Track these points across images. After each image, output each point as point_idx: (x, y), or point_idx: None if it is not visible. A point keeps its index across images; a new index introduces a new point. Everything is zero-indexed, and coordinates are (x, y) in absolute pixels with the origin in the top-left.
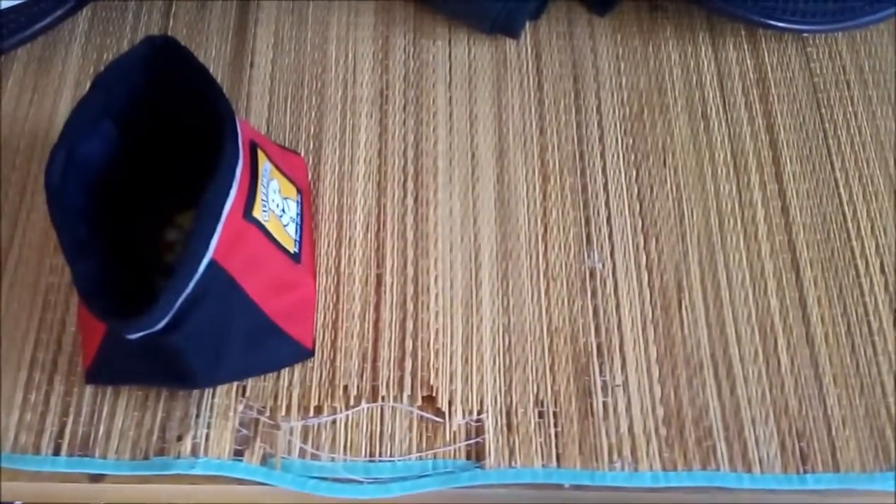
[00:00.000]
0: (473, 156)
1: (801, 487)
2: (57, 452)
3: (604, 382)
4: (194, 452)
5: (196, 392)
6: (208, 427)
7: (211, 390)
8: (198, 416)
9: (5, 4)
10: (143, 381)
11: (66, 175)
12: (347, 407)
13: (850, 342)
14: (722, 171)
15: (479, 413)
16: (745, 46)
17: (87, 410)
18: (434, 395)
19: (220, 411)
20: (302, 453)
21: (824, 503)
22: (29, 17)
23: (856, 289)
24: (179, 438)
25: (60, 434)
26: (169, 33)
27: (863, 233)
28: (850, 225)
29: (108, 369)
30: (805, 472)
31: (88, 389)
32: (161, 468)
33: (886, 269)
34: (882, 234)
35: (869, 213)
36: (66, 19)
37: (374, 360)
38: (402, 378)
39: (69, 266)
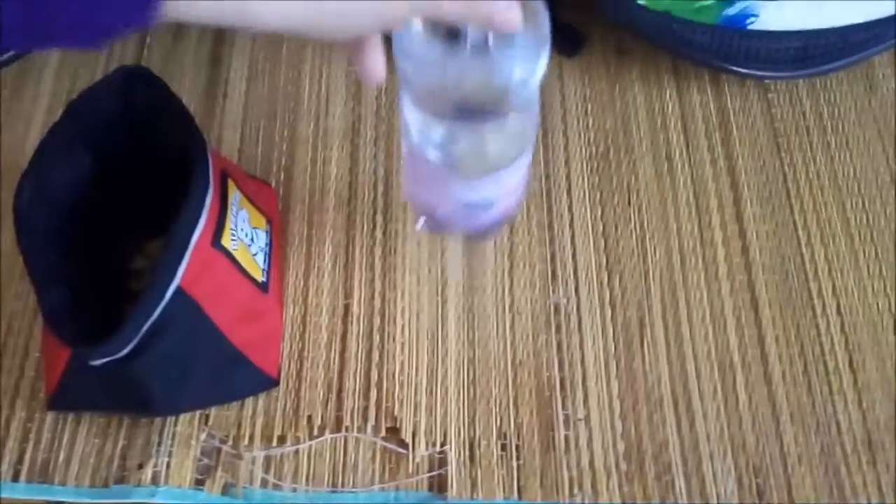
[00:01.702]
0: None
1: None
2: (16, 478)
3: (566, 416)
4: (155, 481)
5: (158, 420)
6: (169, 455)
7: (173, 418)
8: (159, 444)
9: None
10: (106, 407)
11: (35, 201)
12: (311, 437)
13: (806, 381)
14: (684, 210)
15: (443, 445)
16: (709, 91)
17: (48, 437)
18: (398, 426)
19: (181, 439)
20: (264, 483)
21: None
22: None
23: (813, 329)
24: (140, 466)
25: (20, 460)
26: (143, 63)
27: (820, 274)
28: (807, 266)
29: (71, 396)
30: None
31: (49, 416)
32: (121, 496)
33: (842, 310)
34: (839, 275)
35: (826, 256)
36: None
37: (339, 391)
38: (366, 409)
39: (35, 291)
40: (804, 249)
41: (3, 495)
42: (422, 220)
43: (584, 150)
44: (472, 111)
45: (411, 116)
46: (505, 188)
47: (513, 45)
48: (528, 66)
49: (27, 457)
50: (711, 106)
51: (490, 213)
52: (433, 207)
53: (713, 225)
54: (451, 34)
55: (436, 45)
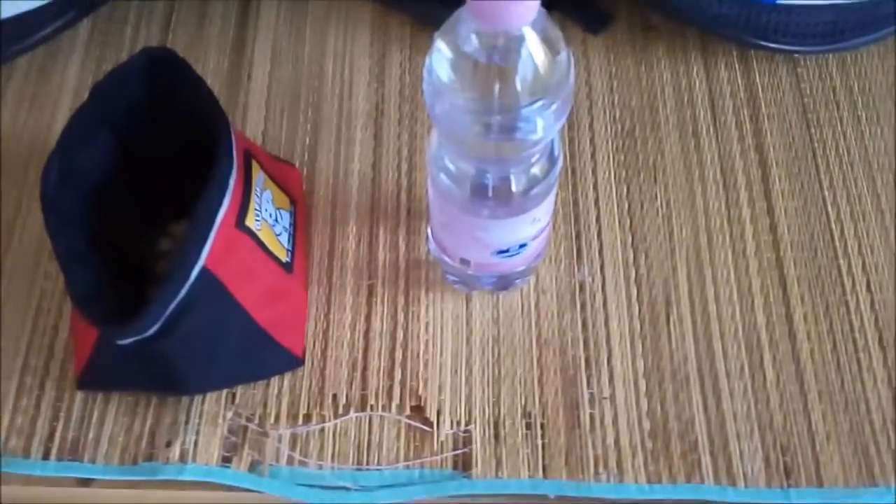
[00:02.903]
0: None
1: (784, 501)
2: (46, 456)
3: (591, 395)
4: (183, 458)
5: (185, 399)
6: (197, 433)
7: (200, 397)
8: (187, 422)
9: (6, 13)
10: (134, 386)
11: (62, 183)
12: (336, 416)
13: (835, 359)
14: (711, 188)
15: (468, 423)
16: (737, 66)
17: (77, 415)
18: (422, 405)
19: (209, 418)
20: (290, 461)
21: None
22: (29, 27)
23: (842, 306)
24: (168, 444)
25: (50, 438)
26: (168, 46)
27: (849, 251)
28: (837, 243)
29: (100, 375)
30: (789, 486)
31: (79, 395)
32: (149, 473)
33: (872, 287)
34: (868, 252)
35: (856, 232)
36: (67, 30)
37: (364, 370)
38: (391, 387)
39: (63, 272)
40: (833, 226)
41: (34, 473)
42: (450, 279)
43: (609, 128)
44: (497, 158)
45: (443, 156)
46: (535, 228)
47: (541, 99)
48: (555, 120)
49: (57, 435)
50: (739, 82)
51: (520, 259)
52: (465, 262)
53: (741, 202)
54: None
55: (466, 87)
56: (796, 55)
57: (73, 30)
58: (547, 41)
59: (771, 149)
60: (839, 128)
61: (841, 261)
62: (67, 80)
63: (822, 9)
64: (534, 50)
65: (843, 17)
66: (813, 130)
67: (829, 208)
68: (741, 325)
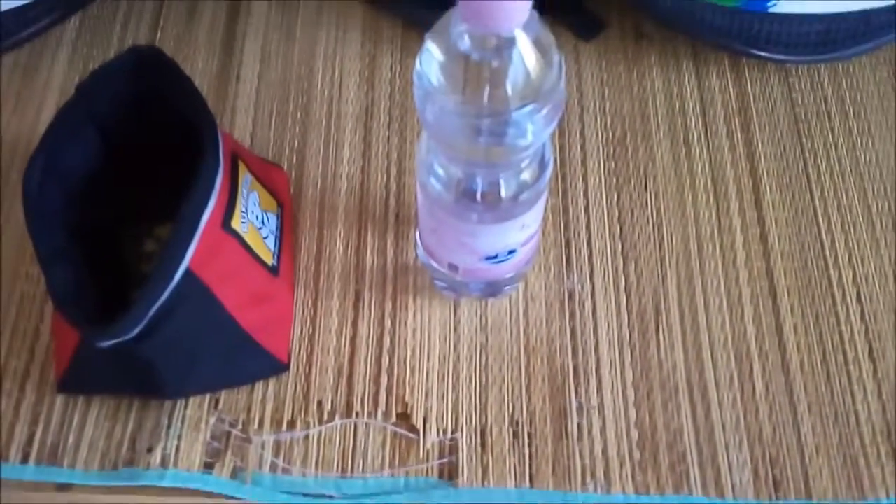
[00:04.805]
0: None
1: None
2: (25, 461)
3: (579, 404)
4: (164, 464)
5: (168, 403)
6: (179, 439)
7: (183, 401)
8: (169, 427)
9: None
10: (115, 390)
11: (45, 180)
12: (321, 422)
13: (825, 370)
14: (702, 196)
15: (454, 431)
16: (729, 75)
17: (58, 419)
18: (409, 412)
19: (191, 423)
20: (273, 467)
21: None
22: (17, 24)
23: (832, 317)
24: (150, 450)
25: (29, 442)
26: (156, 45)
27: (840, 262)
28: (827, 254)
29: (81, 378)
30: (777, 498)
31: (59, 398)
32: (130, 479)
33: (863, 299)
34: (859, 263)
35: (847, 243)
36: (55, 27)
37: (350, 376)
38: (377, 394)
39: (43, 272)
40: (824, 237)
41: (13, 477)
42: (439, 284)
43: (600, 135)
44: (486, 163)
45: (432, 160)
46: (524, 234)
47: (531, 103)
48: (545, 125)
49: (36, 439)
50: (731, 90)
51: (508, 265)
52: (453, 267)
53: (731, 211)
54: (472, 86)
55: (456, 90)
56: (788, 65)
57: (60, 27)
58: (538, 45)
59: (762, 158)
60: (830, 138)
61: (832, 271)
62: (54, 78)
63: (813, 18)
64: (525, 53)
65: (834, 26)
66: (804, 140)
67: (820, 218)
68: (731, 336)
